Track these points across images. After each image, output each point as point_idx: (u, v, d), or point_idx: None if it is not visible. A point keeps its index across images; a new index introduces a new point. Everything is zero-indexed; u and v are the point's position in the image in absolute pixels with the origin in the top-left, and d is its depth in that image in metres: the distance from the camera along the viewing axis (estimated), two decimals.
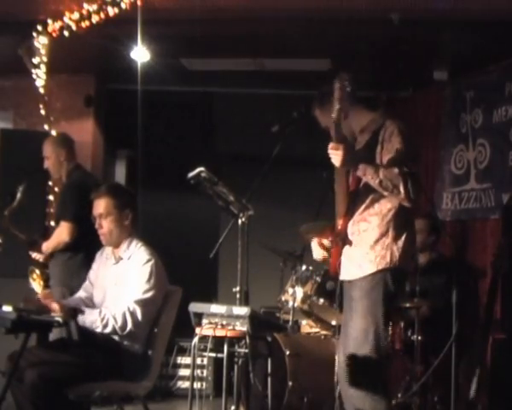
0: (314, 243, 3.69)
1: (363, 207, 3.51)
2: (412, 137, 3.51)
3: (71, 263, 4.92)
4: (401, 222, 3.46)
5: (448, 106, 6.16)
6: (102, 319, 3.72)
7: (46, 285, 4.86)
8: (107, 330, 3.73)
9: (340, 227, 3.54)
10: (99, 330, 3.72)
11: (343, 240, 3.53)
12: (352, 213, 3.52)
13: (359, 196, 3.52)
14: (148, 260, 3.90)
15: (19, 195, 5.02)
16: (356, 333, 3.42)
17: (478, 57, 5.55)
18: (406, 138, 3.42)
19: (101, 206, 3.99)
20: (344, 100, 3.37)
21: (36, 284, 4.82)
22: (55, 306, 3.77)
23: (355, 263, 3.50)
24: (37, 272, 4.89)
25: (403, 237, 3.45)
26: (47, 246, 4.98)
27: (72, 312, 3.70)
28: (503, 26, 4.95)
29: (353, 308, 3.46)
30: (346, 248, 3.54)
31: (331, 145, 3.39)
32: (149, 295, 3.83)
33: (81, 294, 4.13)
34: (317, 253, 3.69)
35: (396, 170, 3.32)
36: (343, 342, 3.53)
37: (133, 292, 3.83)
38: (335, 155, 3.37)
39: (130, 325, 3.75)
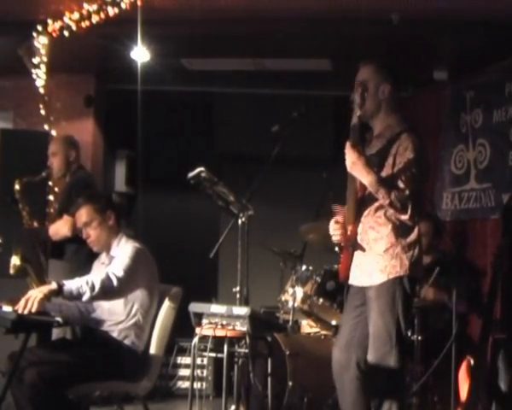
0: (331, 223, 3.67)
1: (371, 213, 3.52)
2: (424, 150, 3.52)
3: (75, 259, 4.93)
4: (409, 230, 3.48)
5: (448, 106, 6.15)
6: (87, 283, 3.63)
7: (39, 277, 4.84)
8: (96, 290, 3.63)
9: (349, 233, 3.55)
10: (87, 294, 3.61)
11: (353, 246, 3.55)
12: (360, 219, 3.54)
13: (367, 202, 3.53)
14: (132, 246, 3.95)
15: (43, 174, 5.13)
16: (378, 332, 3.42)
17: (478, 57, 5.55)
18: (420, 156, 3.44)
19: (83, 215, 4.05)
20: (364, 101, 3.49)
21: (15, 259, 4.75)
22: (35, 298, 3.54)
23: (365, 272, 3.51)
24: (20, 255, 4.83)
25: (412, 246, 3.48)
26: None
27: (56, 290, 3.57)
28: (503, 27, 4.95)
29: (371, 308, 3.47)
30: (356, 254, 3.55)
31: (347, 145, 3.43)
32: (131, 263, 3.83)
33: (77, 302, 4.12)
34: (333, 229, 3.65)
35: (407, 192, 3.37)
36: (359, 342, 3.53)
37: (116, 262, 3.86)
38: (347, 157, 3.42)
39: (115, 282, 3.70)
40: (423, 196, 3.64)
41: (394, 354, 3.39)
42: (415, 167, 3.41)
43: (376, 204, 3.48)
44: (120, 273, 3.75)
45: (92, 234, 4.03)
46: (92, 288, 3.62)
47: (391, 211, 3.44)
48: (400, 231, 3.47)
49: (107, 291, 3.69)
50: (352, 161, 3.40)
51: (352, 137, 3.48)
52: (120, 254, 3.92)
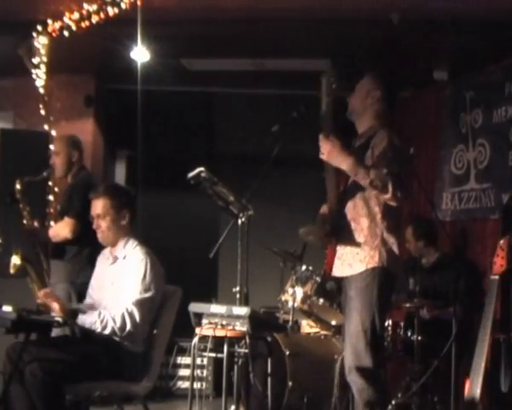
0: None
1: (352, 206, 3.59)
2: (402, 145, 3.61)
3: (76, 260, 4.93)
4: (389, 225, 3.56)
5: (448, 106, 6.16)
6: (102, 321, 3.72)
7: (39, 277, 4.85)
8: (107, 331, 3.73)
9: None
10: (98, 331, 3.73)
11: (336, 238, 3.63)
12: (342, 211, 3.61)
13: (348, 194, 3.62)
14: (143, 260, 3.90)
15: (45, 174, 5.13)
16: (354, 329, 3.50)
17: (478, 57, 5.55)
18: (395, 144, 3.52)
19: (98, 206, 4.03)
20: (330, 95, 3.63)
21: (15, 259, 4.76)
22: (55, 305, 3.78)
23: (346, 262, 3.60)
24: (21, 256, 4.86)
25: (390, 240, 3.56)
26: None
27: (73, 312, 3.69)
28: (503, 27, 4.95)
29: (350, 306, 3.56)
30: (338, 246, 3.64)
31: (320, 137, 3.52)
32: (146, 295, 3.83)
33: (88, 300, 4.15)
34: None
35: (385, 170, 3.42)
36: (344, 338, 3.61)
37: (130, 293, 3.83)
38: (322, 149, 3.51)
39: (128, 326, 3.75)
40: (406, 181, 3.67)
41: (369, 351, 3.45)
42: (390, 152, 3.47)
43: (358, 196, 3.56)
44: (136, 320, 3.77)
45: (103, 226, 4.02)
46: (104, 327, 3.72)
47: (373, 200, 3.50)
48: (380, 223, 3.54)
49: (117, 334, 3.75)
50: (328, 151, 3.49)
51: (324, 127, 3.59)
52: (134, 282, 3.86)
